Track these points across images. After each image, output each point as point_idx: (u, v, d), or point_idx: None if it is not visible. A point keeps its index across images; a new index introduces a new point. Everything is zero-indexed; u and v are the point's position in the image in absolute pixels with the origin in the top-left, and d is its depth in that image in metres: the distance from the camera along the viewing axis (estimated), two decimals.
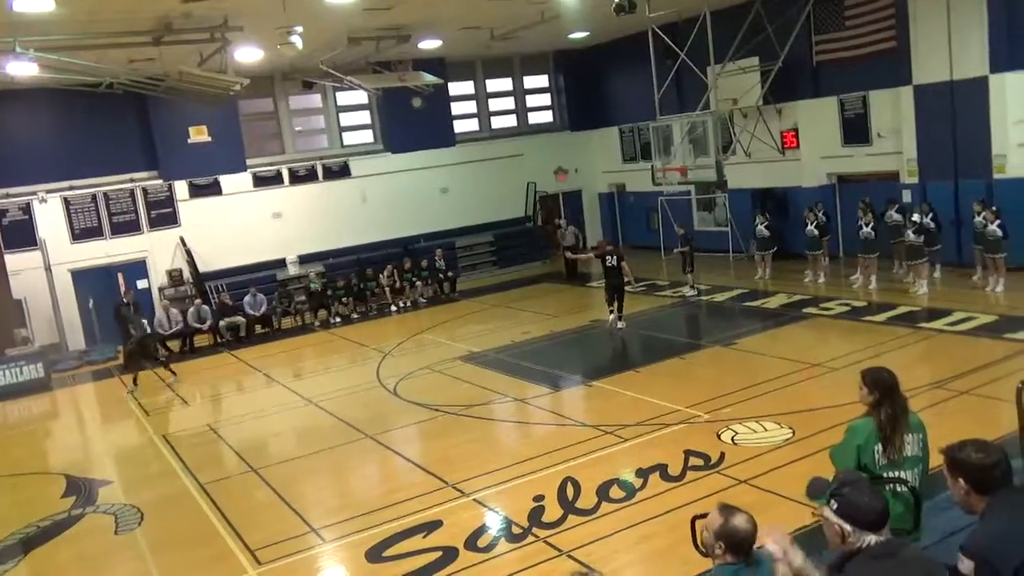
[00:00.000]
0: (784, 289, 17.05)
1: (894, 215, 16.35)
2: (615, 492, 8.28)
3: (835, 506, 3.32)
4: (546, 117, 26.91)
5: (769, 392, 10.80)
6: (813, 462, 7.84)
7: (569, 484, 8.56)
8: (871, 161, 18.56)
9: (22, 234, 19.10)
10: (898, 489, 4.89)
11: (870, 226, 16.07)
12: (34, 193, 19.43)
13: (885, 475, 4.89)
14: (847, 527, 3.26)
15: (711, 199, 22.51)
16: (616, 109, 25.43)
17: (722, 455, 8.85)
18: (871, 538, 3.25)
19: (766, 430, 9.46)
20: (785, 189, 20.26)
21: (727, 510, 3.66)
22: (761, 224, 18.38)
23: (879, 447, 4.87)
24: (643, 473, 8.64)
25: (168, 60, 15.63)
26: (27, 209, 19.36)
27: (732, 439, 9.29)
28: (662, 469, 8.66)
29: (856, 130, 18.63)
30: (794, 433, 9.22)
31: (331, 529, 8.33)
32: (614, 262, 15.20)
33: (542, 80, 26.77)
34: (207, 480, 10.21)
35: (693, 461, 8.79)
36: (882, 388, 4.96)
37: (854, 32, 18.24)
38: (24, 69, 14.35)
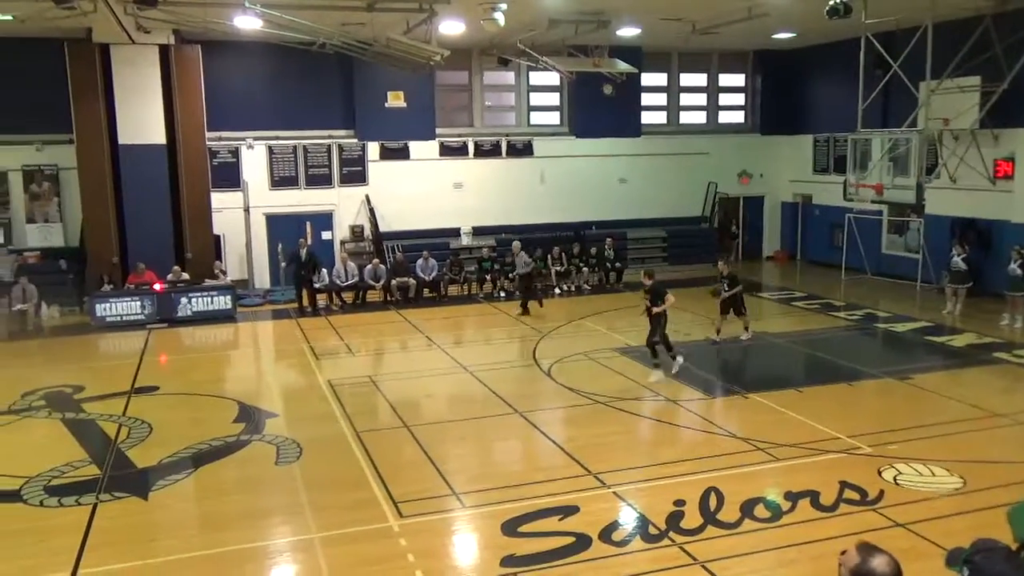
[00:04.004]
0: (975, 328, 15.81)
1: None
2: (760, 511, 8.02)
3: (966, 573, 3.05)
4: (737, 117, 26.12)
5: (942, 435, 10.07)
6: (983, 518, 7.30)
7: (712, 494, 8.37)
8: None
9: (228, 175, 20.68)
10: None
11: None
12: (243, 139, 20.96)
13: None
14: None
15: (905, 222, 21.14)
16: (813, 116, 24.32)
17: (881, 493, 8.37)
18: None
19: (933, 475, 8.84)
20: (991, 222, 18.69)
21: (867, 549, 3.43)
22: (958, 256, 17.08)
23: None
24: (792, 497, 8.30)
25: (377, 26, 16.33)
26: (235, 153, 20.92)
27: (894, 478, 8.75)
28: (813, 496, 8.29)
29: None
30: (965, 483, 8.58)
31: (471, 496, 8.55)
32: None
33: (738, 79, 25.98)
34: (362, 428, 10.73)
35: (848, 494, 8.36)
36: None
37: None
38: (249, 23, 15.47)
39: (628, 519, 7.98)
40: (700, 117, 25.69)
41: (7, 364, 14.75)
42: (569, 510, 8.07)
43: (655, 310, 13.16)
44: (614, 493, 8.54)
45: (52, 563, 7.28)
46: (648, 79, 24.26)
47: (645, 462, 9.42)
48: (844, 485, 8.53)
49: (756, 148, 25.46)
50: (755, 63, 25.55)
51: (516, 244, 19.25)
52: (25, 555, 7.47)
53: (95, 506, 8.49)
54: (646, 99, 24.56)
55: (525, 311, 18.12)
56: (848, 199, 20.17)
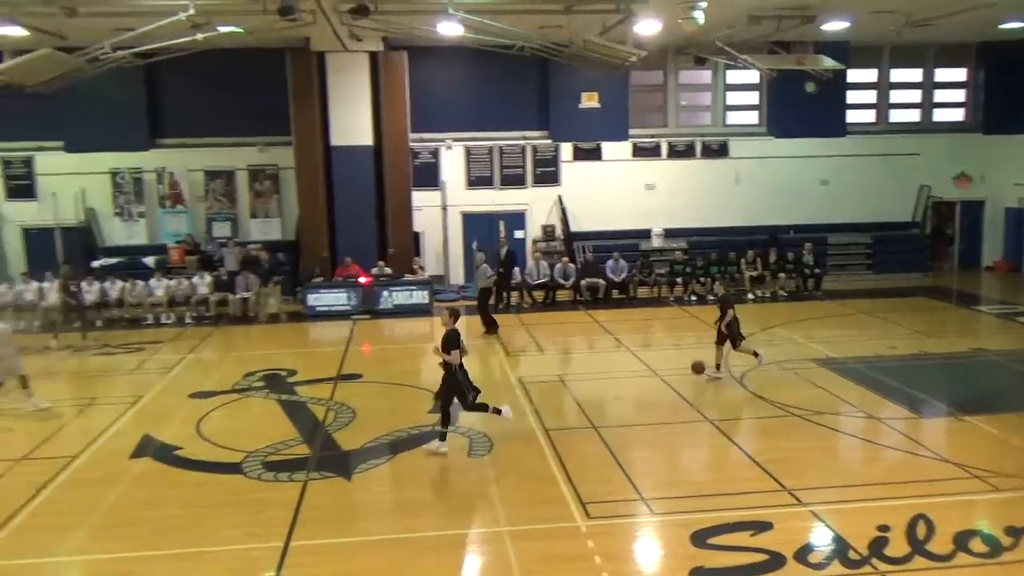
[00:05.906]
0: None
1: None
2: (976, 545, 7.39)
3: None
4: (956, 115, 24.16)
5: None
6: None
7: (921, 522, 7.81)
8: None
9: (428, 175, 21.59)
10: None
11: None
12: (442, 140, 21.81)
13: None
14: None
15: None
16: None
17: None
18: None
19: None
20: None
21: None
22: None
23: None
24: (1015, 532, 7.58)
25: (574, 28, 16.50)
26: (435, 153, 21.81)
27: None
28: None
29: None
30: None
31: (659, 502, 8.45)
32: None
33: (959, 74, 24.01)
34: (551, 426, 10.89)
35: None
36: None
37: None
38: (452, 29, 16.06)
39: (825, 540, 7.59)
40: (912, 115, 24.00)
41: (232, 347, 16.19)
42: (762, 526, 7.80)
43: (442, 359, 9.95)
44: (811, 512, 8.16)
45: (268, 533, 7.91)
46: (855, 75, 22.96)
47: (844, 481, 8.93)
48: None
49: (976, 148, 23.44)
50: (979, 56, 23.52)
51: (479, 255, 17.58)
52: (245, 523, 8.17)
53: (305, 483, 9.14)
54: (852, 96, 23.23)
55: (491, 330, 16.56)
56: None
